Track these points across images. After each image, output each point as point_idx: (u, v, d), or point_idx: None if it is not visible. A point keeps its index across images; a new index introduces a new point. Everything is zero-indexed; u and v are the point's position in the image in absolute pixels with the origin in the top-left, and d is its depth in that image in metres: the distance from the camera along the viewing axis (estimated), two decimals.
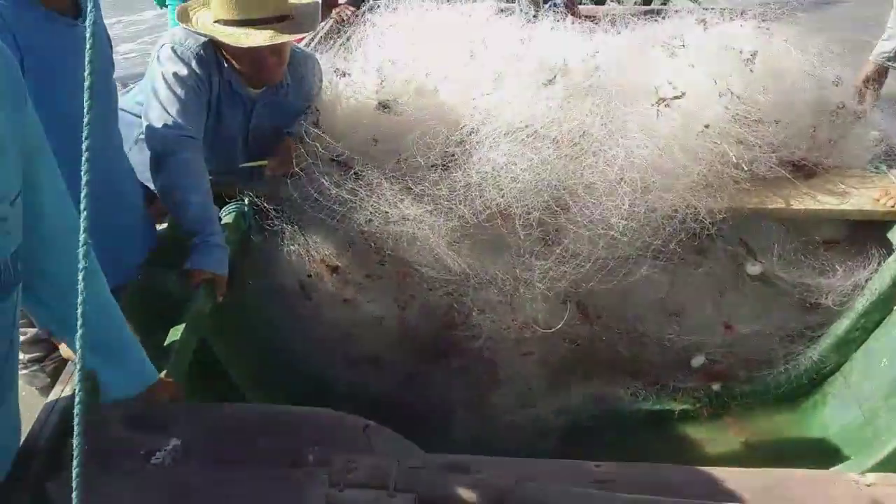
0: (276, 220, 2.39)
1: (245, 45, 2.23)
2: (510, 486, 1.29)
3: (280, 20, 2.31)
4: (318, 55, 2.84)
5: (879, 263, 2.50)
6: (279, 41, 2.27)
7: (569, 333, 2.56)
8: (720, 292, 2.61)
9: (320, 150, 2.38)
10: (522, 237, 2.22)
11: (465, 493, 1.30)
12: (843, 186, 2.57)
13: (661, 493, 1.36)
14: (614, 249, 2.26)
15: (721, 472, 1.45)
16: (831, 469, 2.22)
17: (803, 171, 2.58)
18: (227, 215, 2.47)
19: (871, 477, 1.44)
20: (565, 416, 2.62)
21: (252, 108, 2.52)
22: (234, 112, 2.49)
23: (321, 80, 2.66)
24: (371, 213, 2.28)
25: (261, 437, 1.42)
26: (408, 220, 2.27)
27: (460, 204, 2.22)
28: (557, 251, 2.25)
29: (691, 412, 2.68)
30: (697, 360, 2.67)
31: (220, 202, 2.45)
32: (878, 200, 2.50)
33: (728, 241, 2.54)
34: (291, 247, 2.42)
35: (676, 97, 2.35)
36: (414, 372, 2.53)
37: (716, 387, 2.68)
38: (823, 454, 2.46)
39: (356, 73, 2.67)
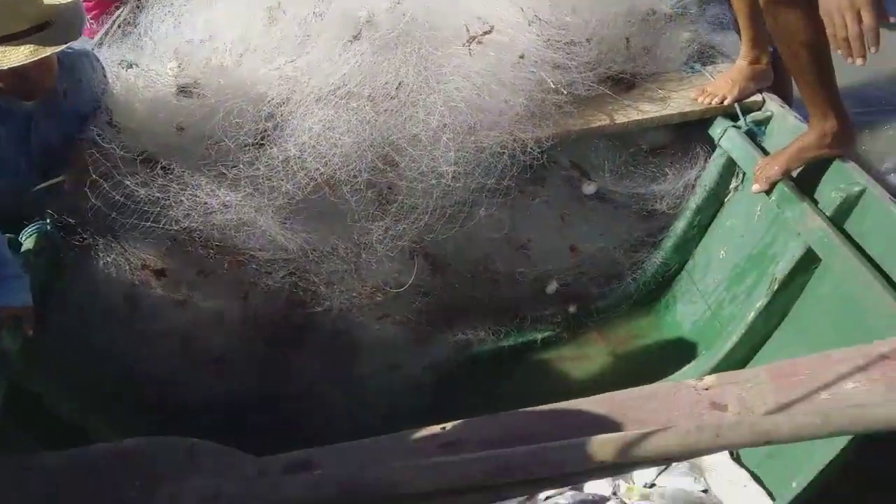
0: (84, 235, 2.16)
1: (5, 67, 1.96)
2: (351, 477, 1.23)
3: (40, 29, 2.03)
4: (106, 48, 2.57)
5: (705, 161, 2.59)
6: (42, 56, 2.00)
7: (422, 287, 2.51)
8: (561, 217, 2.64)
9: (119, 150, 2.15)
10: (354, 202, 2.12)
11: (305, 496, 1.23)
12: (661, 92, 2.62)
13: (507, 440, 1.36)
14: (450, 196, 2.20)
15: (564, 406, 1.47)
16: (669, 379, 2.31)
17: (622, 84, 2.61)
18: (27, 239, 2.21)
19: (708, 380, 1.52)
20: (434, 370, 2.60)
21: (30, 124, 2.24)
22: (10, 131, 2.22)
23: (105, 76, 2.39)
24: (189, 206, 2.11)
25: (69, 489, 1.28)
26: (230, 206, 2.11)
27: (282, 180, 2.08)
28: (393, 209, 2.18)
29: (554, 338, 2.72)
30: (551, 287, 2.70)
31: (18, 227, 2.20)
32: (696, 100, 2.57)
33: (560, 166, 2.56)
34: (108, 258, 2.20)
35: (486, 32, 2.29)
36: (269, 360, 2.40)
37: (572, 309, 2.72)
38: (680, 351, 2.57)
39: (147, 61, 2.42)
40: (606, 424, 1.44)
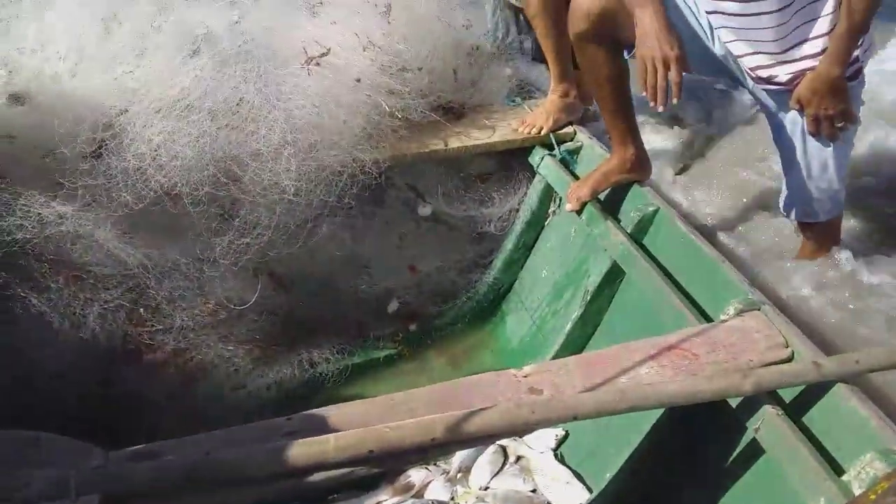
0: None
1: None
2: (199, 461, 1.29)
3: None
4: None
5: (527, 187, 2.82)
6: None
7: (266, 305, 2.55)
8: (400, 237, 2.78)
9: None
10: (196, 215, 2.15)
11: (152, 478, 1.27)
12: (487, 122, 2.85)
13: (346, 428, 1.45)
14: (293, 213, 2.27)
15: (398, 397, 1.58)
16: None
17: (452, 112, 2.81)
18: None
19: (527, 369, 1.68)
20: (278, 388, 2.62)
21: None
22: None
23: None
24: (20, 218, 2.05)
25: None
26: (66, 218, 2.08)
27: (121, 191, 2.07)
28: (236, 224, 2.22)
29: (396, 355, 2.81)
30: (392, 306, 2.83)
31: None
32: (517, 130, 2.81)
33: (398, 188, 2.69)
34: None
35: (324, 54, 2.40)
36: (107, 378, 2.35)
37: (412, 326, 2.85)
38: (512, 363, 2.72)
39: None
40: (436, 410, 1.56)
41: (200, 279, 2.31)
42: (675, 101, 2.03)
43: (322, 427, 1.50)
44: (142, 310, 2.31)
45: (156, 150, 2.09)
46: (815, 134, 2.19)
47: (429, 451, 1.47)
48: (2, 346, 2.19)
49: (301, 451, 1.38)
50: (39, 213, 2.05)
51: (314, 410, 1.53)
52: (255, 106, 2.23)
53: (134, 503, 1.32)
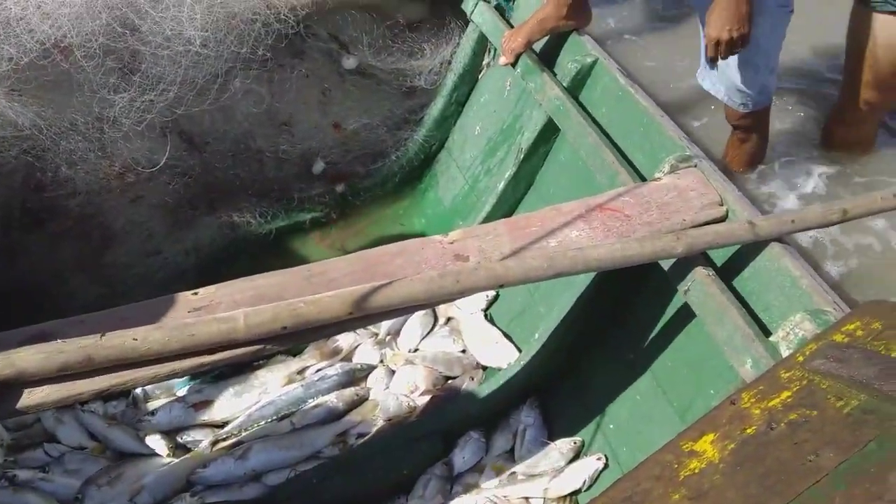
0: None
1: None
2: (93, 343, 1.18)
3: None
4: None
5: (460, 37, 2.64)
6: None
7: (178, 167, 2.41)
8: (323, 93, 2.60)
9: None
10: (91, 69, 1.94)
11: (43, 360, 1.17)
12: None
13: (260, 302, 1.37)
14: (201, 66, 2.09)
15: (316, 266, 1.48)
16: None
17: None
18: None
19: (453, 235, 1.60)
20: (197, 254, 2.52)
21: None
22: None
23: None
24: None
25: None
26: None
27: (4, 44, 1.84)
28: (137, 79, 2.02)
29: (323, 218, 2.72)
30: (317, 166, 2.69)
31: None
32: None
33: (319, 38, 2.49)
34: None
35: None
36: (7, 247, 2.20)
37: (340, 188, 2.73)
38: (441, 223, 2.68)
39: None
40: (357, 280, 1.47)
41: (102, 139, 2.13)
42: None
43: (232, 302, 1.40)
44: (39, 174, 2.13)
45: None
46: (714, 59, 2.13)
47: (347, 325, 1.39)
48: None
49: (208, 329, 1.28)
50: None
51: (223, 283, 1.43)
52: None
53: (25, 387, 1.22)
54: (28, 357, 1.20)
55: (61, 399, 1.23)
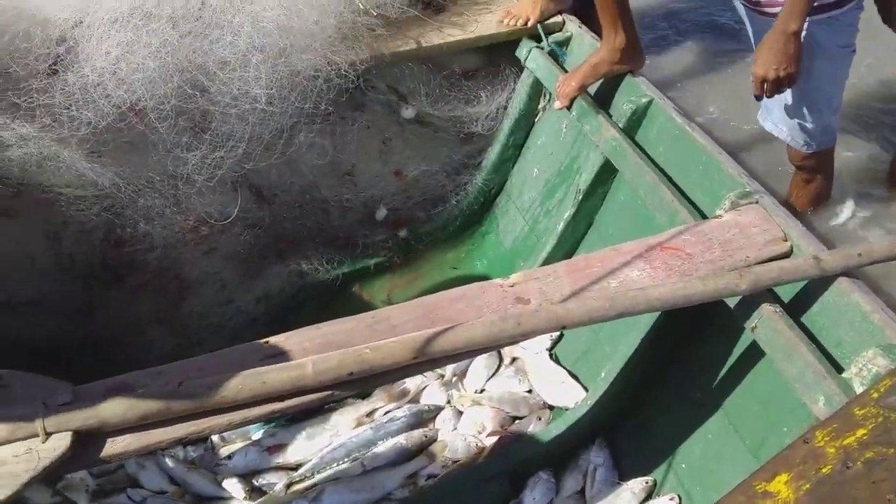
0: None
1: None
2: (171, 392, 1.24)
3: None
4: None
5: (515, 82, 2.68)
6: None
7: (249, 219, 2.50)
8: (383, 142, 2.67)
9: None
10: (165, 130, 2.05)
11: (125, 411, 1.23)
12: (470, 15, 2.67)
13: (328, 349, 1.41)
14: (267, 122, 2.16)
15: (379, 314, 1.52)
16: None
17: (432, 6, 2.64)
18: None
19: (513, 278, 1.61)
20: (267, 301, 2.60)
21: None
22: None
23: None
24: None
25: None
26: (27, 139, 1.98)
27: (83, 109, 1.97)
28: (208, 137, 2.12)
29: (387, 262, 2.77)
30: (380, 213, 2.76)
31: None
32: (503, 21, 2.64)
33: (378, 90, 2.57)
34: None
35: None
36: (87, 303, 2.31)
37: (402, 233, 2.79)
38: (502, 265, 2.71)
39: None
40: (419, 325, 1.50)
41: (177, 195, 2.24)
42: None
43: (301, 350, 1.45)
44: (119, 230, 2.25)
45: (115, 64, 1.97)
46: (759, 97, 2.12)
47: (411, 370, 1.42)
48: None
49: (278, 376, 1.33)
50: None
51: (292, 332, 1.48)
52: (218, 10, 2.09)
53: (108, 436, 1.28)
54: (111, 408, 1.27)
55: (142, 447, 1.29)
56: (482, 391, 2.35)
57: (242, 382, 1.32)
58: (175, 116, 2.06)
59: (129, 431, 1.28)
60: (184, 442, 1.35)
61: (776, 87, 2.05)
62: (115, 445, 1.29)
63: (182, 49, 2.03)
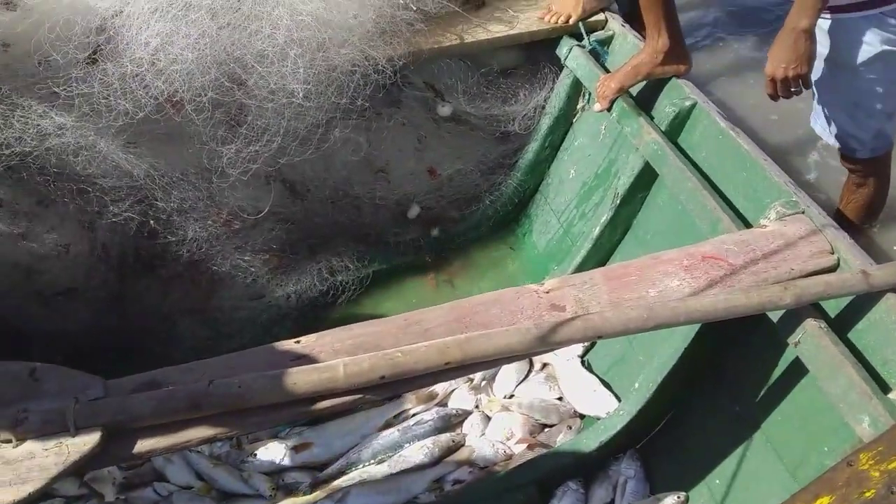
0: None
1: None
2: (201, 390, 1.22)
3: None
4: None
5: (554, 82, 2.64)
6: None
7: (281, 214, 2.49)
8: (418, 139, 2.65)
9: None
10: (201, 123, 2.04)
11: (155, 408, 1.22)
12: (510, 12, 2.64)
13: (358, 351, 1.39)
14: (303, 117, 2.15)
15: (412, 316, 1.49)
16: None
17: (472, 2, 2.61)
18: None
19: (549, 284, 1.57)
20: (298, 297, 2.58)
21: None
22: None
23: None
24: (19, 129, 1.96)
25: None
26: (65, 129, 1.98)
27: (121, 99, 1.96)
28: (243, 131, 2.10)
29: (418, 261, 2.75)
30: (413, 211, 2.73)
31: None
32: (543, 19, 2.60)
33: (415, 86, 2.54)
34: None
35: None
36: (121, 293, 2.31)
37: (435, 232, 2.76)
38: (535, 267, 2.68)
39: None
40: (452, 329, 1.48)
41: (210, 189, 2.23)
42: None
43: (332, 351, 1.43)
44: (152, 222, 2.24)
45: (154, 54, 1.97)
46: (773, 97, 2.03)
47: (443, 375, 1.39)
48: (14, 264, 2.15)
49: (309, 377, 1.31)
50: (38, 125, 1.96)
51: (323, 332, 1.45)
52: (258, 2, 2.07)
53: (137, 433, 1.27)
54: (141, 405, 1.26)
55: (171, 446, 1.28)
56: (511, 397, 2.31)
57: (273, 383, 1.30)
58: (212, 109, 2.05)
59: (158, 429, 1.27)
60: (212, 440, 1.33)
61: (786, 86, 1.97)
62: (143, 443, 1.28)
63: (220, 41, 2.02)
